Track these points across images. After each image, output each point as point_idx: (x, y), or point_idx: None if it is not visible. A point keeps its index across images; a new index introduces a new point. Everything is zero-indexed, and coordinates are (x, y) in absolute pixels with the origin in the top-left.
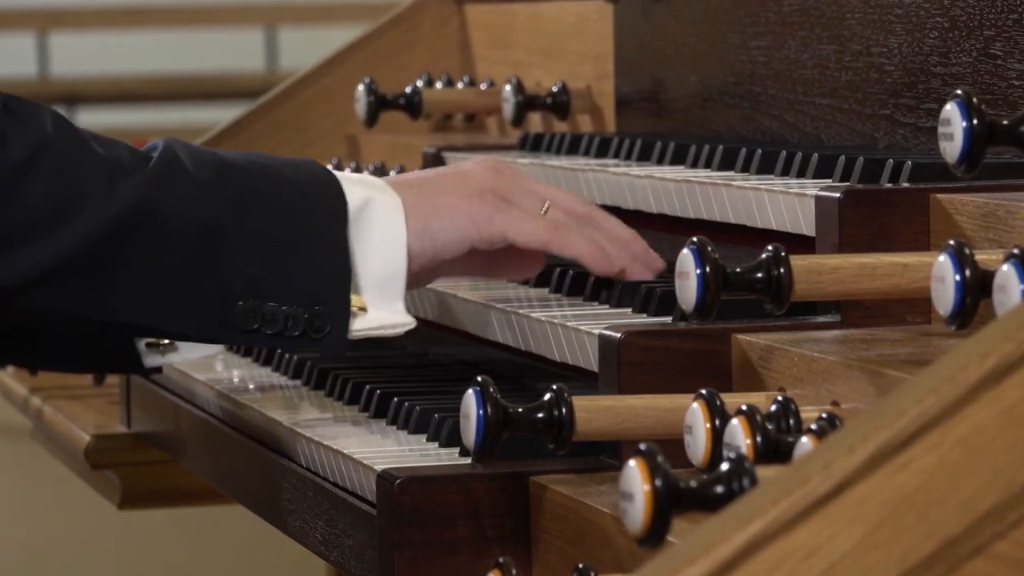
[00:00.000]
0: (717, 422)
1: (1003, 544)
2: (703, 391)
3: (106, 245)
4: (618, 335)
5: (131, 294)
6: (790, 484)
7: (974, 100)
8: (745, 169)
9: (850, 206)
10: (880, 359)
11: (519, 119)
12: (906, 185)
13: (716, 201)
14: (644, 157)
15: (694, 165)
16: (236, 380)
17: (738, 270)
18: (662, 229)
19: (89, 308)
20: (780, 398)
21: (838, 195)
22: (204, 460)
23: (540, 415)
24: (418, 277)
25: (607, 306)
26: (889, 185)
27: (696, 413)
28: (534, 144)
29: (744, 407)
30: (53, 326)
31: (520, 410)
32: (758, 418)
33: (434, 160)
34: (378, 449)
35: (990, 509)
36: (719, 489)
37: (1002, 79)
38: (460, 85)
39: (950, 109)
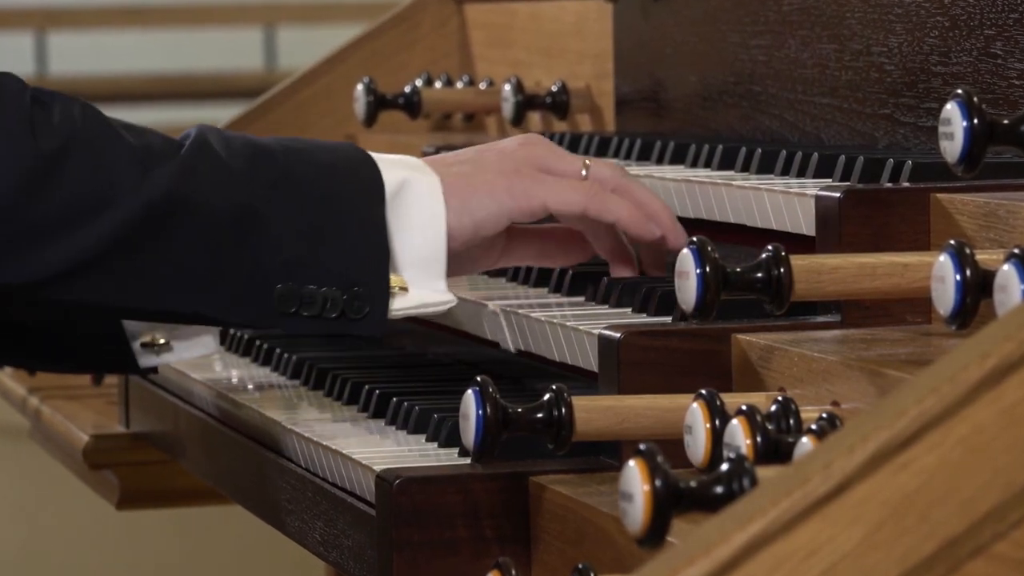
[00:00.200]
0: (717, 422)
1: (1004, 544)
2: (703, 391)
3: (139, 233)
4: (618, 335)
5: (168, 282)
6: (790, 484)
7: (975, 99)
8: (745, 169)
9: (850, 206)
10: (880, 359)
11: (518, 119)
12: (906, 185)
13: (716, 201)
14: (644, 157)
15: (694, 165)
16: (235, 380)
17: (738, 270)
18: None
19: (122, 298)
20: (780, 398)
21: (838, 195)
22: (203, 460)
23: (539, 415)
24: (461, 261)
25: (606, 306)
26: (889, 185)
27: (696, 413)
28: None
29: (744, 407)
30: (56, 326)
31: (519, 410)
32: (758, 418)
33: None
34: (377, 449)
35: (991, 509)
36: (719, 489)
37: (1003, 78)
38: (459, 85)
39: (950, 108)
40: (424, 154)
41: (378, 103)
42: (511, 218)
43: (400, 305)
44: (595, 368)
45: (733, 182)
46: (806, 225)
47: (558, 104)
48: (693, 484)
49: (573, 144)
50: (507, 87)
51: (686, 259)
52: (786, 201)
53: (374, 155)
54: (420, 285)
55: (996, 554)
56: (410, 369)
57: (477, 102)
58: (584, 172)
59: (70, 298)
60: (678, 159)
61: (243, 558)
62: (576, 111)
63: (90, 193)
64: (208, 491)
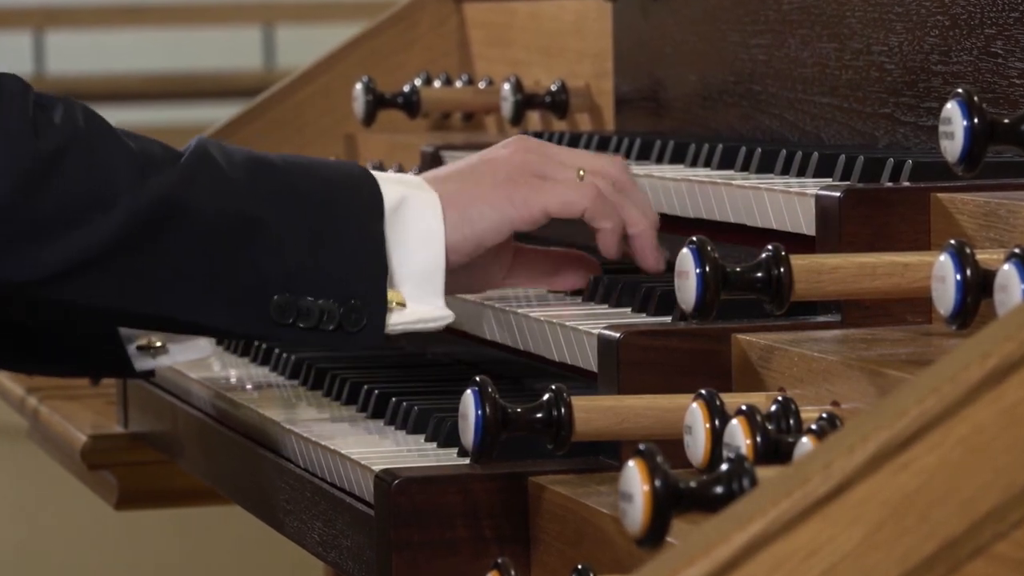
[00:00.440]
0: (717, 422)
1: (1004, 545)
2: (703, 391)
3: (137, 237)
4: (617, 335)
5: (163, 288)
6: (790, 484)
7: (975, 99)
8: (745, 168)
9: (850, 205)
10: (880, 359)
11: (518, 118)
12: (907, 184)
13: (716, 200)
14: (643, 156)
15: (693, 164)
16: (233, 380)
17: (738, 269)
18: (662, 228)
19: (120, 301)
20: (780, 398)
21: (838, 194)
22: (201, 460)
23: (539, 415)
24: (466, 276)
25: (606, 306)
26: (889, 184)
27: (696, 413)
28: None
29: (744, 407)
30: (45, 323)
31: (519, 410)
32: (758, 418)
33: (432, 159)
34: (376, 449)
35: (991, 509)
36: (719, 489)
37: (1003, 78)
38: (458, 84)
39: (951, 108)
40: (423, 153)
41: (377, 102)
42: (513, 227)
43: (397, 320)
44: (595, 368)
45: (733, 182)
46: (806, 225)
47: (557, 103)
48: (693, 484)
49: (572, 143)
50: (506, 86)
51: (686, 258)
52: (786, 201)
53: (374, 172)
54: (418, 300)
55: (996, 554)
56: (409, 369)
57: (476, 101)
58: (580, 174)
59: (67, 298)
60: (678, 158)
61: (242, 558)
62: (575, 110)
63: (88, 193)
64: (207, 491)
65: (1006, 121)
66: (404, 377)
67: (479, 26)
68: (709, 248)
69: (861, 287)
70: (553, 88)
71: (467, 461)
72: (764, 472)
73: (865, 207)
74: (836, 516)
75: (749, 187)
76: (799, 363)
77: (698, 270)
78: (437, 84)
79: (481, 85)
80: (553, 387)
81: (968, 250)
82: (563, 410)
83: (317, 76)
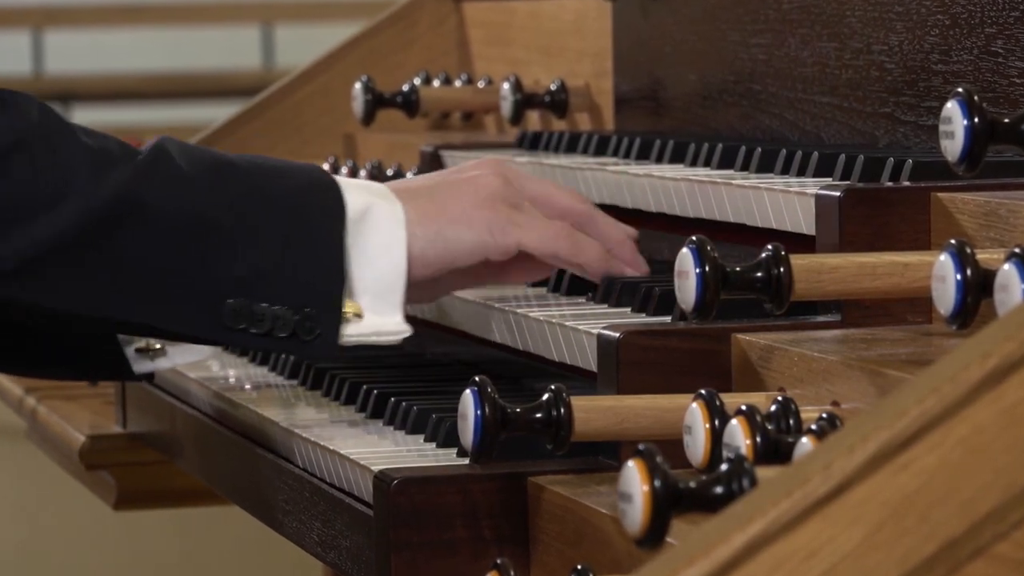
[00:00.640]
0: (716, 422)
1: (1004, 545)
2: (702, 391)
3: (90, 235)
4: (617, 335)
5: (117, 289)
6: (790, 485)
7: (975, 98)
8: (745, 168)
9: (850, 205)
10: (881, 359)
11: (517, 117)
12: (907, 184)
13: (715, 200)
14: (643, 156)
15: (693, 164)
16: (232, 380)
17: (738, 269)
18: (661, 228)
19: (73, 302)
20: (780, 398)
21: (838, 194)
22: (199, 461)
23: (538, 415)
24: (431, 287)
25: (606, 305)
26: (890, 184)
27: (695, 413)
28: (532, 143)
29: (744, 407)
30: (41, 324)
31: (518, 410)
32: (758, 418)
33: (431, 159)
34: (375, 449)
35: (991, 510)
36: (718, 490)
37: (1003, 77)
38: (458, 83)
39: (951, 107)
40: (422, 153)
41: (376, 102)
42: (487, 254)
43: (353, 331)
44: (594, 368)
45: (733, 181)
46: (806, 224)
47: (557, 103)
48: (692, 484)
49: (572, 143)
50: (506, 86)
51: (685, 258)
52: (786, 200)
53: (339, 179)
54: (376, 312)
55: (996, 555)
56: (408, 369)
57: (475, 101)
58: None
59: (19, 297)
60: (677, 158)
61: (241, 558)
62: (575, 110)
63: (42, 190)
64: (205, 491)
65: (1006, 120)
66: (403, 377)
67: (478, 25)
68: (709, 248)
69: (861, 287)
70: (553, 87)
71: (466, 461)
72: (764, 472)
73: (865, 207)
74: (836, 516)
75: (749, 187)
76: (799, 363)
77: (698, 270)
78: (436, 83)
79: (480, 84)
80: (552, 387)
81: (968, 250)
82: (562, 410)
83: (316, 75)
